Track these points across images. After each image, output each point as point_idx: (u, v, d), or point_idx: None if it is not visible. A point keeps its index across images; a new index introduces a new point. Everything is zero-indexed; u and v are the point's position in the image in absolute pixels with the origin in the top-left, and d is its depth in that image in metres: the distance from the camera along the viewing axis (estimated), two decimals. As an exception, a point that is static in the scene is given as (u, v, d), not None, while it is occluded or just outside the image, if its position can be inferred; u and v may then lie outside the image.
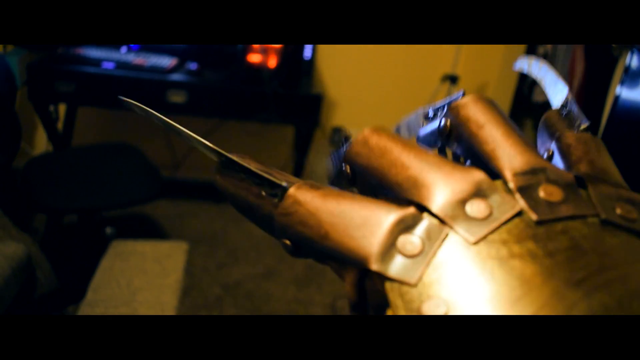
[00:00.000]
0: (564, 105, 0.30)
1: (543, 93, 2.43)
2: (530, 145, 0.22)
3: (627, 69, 1.01)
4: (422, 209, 0.19)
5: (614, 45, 1.64)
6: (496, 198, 0.18)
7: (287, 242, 0.23)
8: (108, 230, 2.10)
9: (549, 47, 2.32)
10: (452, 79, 2.43)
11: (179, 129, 0.28)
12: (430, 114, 0.30)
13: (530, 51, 2.42)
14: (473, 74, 2.65)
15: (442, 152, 0.27)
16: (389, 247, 0.18)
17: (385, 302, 0.18)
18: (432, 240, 0.18)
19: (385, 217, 0.19)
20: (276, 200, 0.23)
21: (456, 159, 0.26)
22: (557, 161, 0.25)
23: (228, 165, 0.26)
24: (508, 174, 0.19)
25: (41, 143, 2.52)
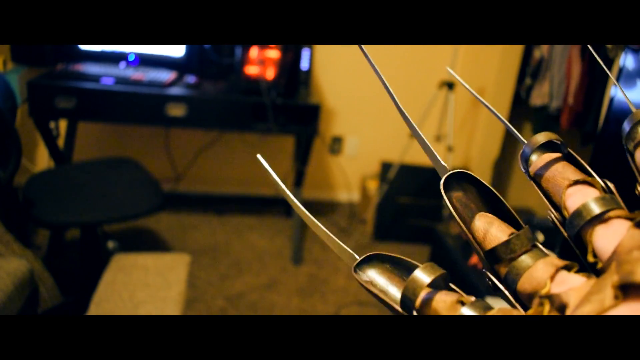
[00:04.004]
0: None
1: (540, 97, 2.44)
2: None
3: (621, 70, 1.02)
4: None
5: (609, 46, 1.65)
6: None
7: None
8: (110, 244, 2.10)
9: (545, 50, 2.33)
10: (450, 85, 2.44)
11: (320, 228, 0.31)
12: None
13: (527, 55, 2.43)
14: (470, 80, 2.66)
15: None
16: None
17: None
18: None
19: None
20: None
21: None
22: None
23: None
24: None
25: (42, 159, 2.53)
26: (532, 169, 0.32)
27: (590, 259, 0.26)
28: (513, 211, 0.30)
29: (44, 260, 1.48)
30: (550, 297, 0.24)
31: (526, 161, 0.32)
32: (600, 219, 0.26)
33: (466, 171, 0.31)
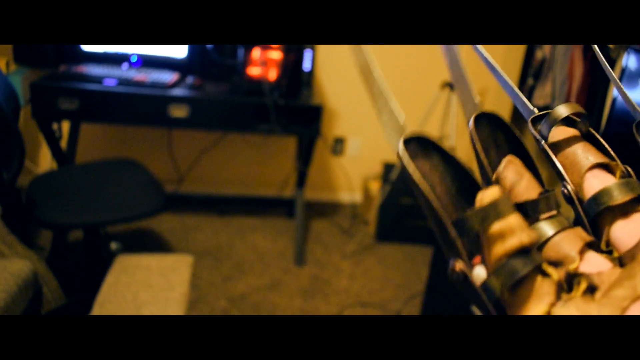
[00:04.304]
0: None
1: (543, 97, 2.44)
2: None
3: (623, 70, 1.02)
4: None
5: (611, 46, 1.65)
6: None
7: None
8: (113, 245, 2.10)
9: (547, 51, 2.33)
10: (452, 86, 2.44)
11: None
12: None
13: (529, 55, 2.43)
14: (472, 81, 2.66)
15: None
16: None
17: None
18: None
19: None
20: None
21: None
22: None
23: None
24: None
25: (45, 161, 2.54)
26: (551, 139, 0.31)
27: (603, 247, 0.26)
28: (539, 172, 0.30)
29: (47, 262, 1.49)
30: (582, 276, 0.24)
31: (545, 130, 0.31)
32: (621, 210, 0.26)
33: (498, 115, 0.31)
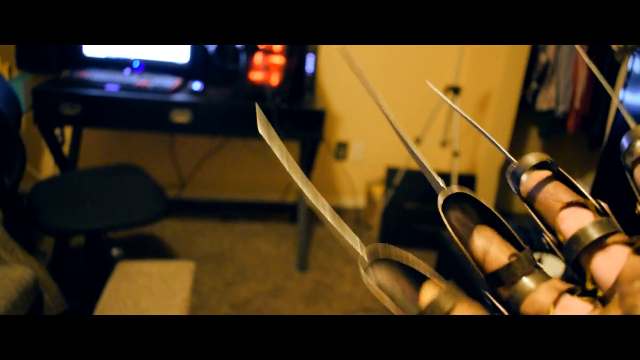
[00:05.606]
0: None
1: (547, 101, 2.42)
2: None
3: (629, 73, 1.01)
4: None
5: (615, 49, 1.64)
6: None
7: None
8: (115, 251, 2.10)
9: (551, 54, 2.32)
10: (455, 90, 2.43)
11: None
12: None
13: (532, 59, 2.42)
14: (476, 85, 2.65)
15: None
16: None
17: None
18: None
19: None
20: None
21: None
22: None
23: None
24: None
25: (48, 166, 2.54)
26: (524, 190, 0.31)
27: (589, 286, 0.25)
28: (513, 231, 0.30)
29: (48, 268, 1.48)
30: None
31: (517, 182, 0.31)
32: (598, 245, 0.25)
33: (465, 191, 0.31)
